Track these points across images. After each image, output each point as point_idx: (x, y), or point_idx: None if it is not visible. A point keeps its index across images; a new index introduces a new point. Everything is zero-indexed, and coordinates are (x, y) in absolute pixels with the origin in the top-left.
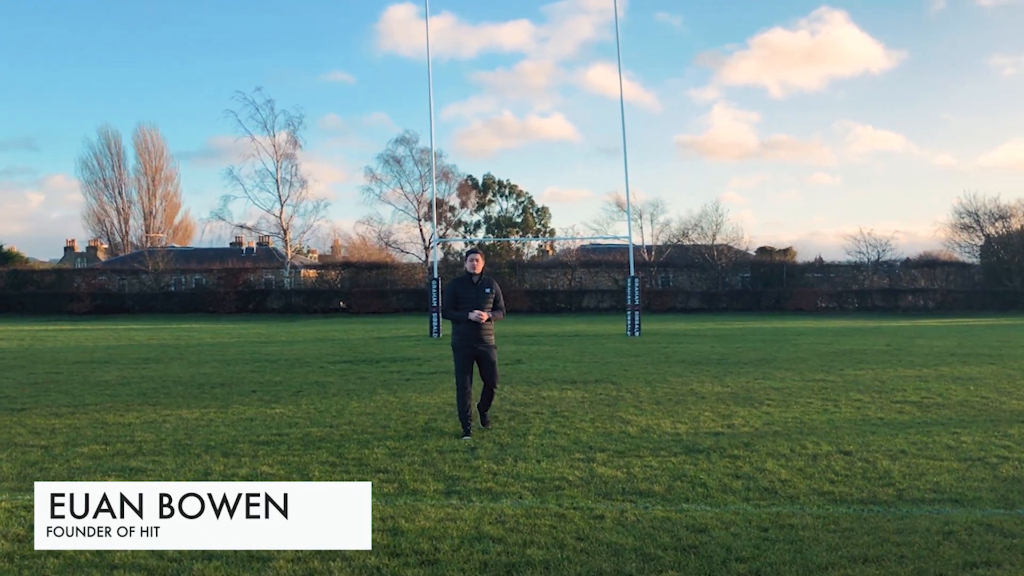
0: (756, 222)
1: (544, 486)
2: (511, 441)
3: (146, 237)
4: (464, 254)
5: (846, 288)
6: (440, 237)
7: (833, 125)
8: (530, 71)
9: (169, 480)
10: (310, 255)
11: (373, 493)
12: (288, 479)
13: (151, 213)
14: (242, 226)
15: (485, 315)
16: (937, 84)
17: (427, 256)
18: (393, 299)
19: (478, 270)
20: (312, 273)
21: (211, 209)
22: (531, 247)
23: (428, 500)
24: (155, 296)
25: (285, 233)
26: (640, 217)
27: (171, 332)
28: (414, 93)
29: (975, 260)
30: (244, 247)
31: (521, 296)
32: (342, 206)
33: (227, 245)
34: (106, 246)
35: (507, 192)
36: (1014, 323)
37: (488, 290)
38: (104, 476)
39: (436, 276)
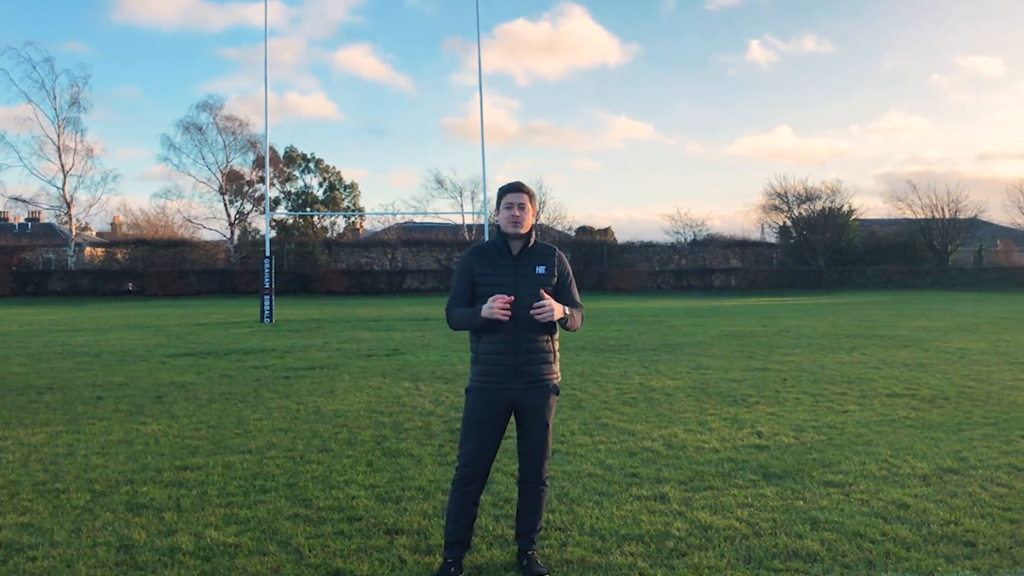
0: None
1: (656, 552)
2: None
3: None
4: (497, 195)
5: (664, 268)
6: (272, 209)
7: (586, 114)
8: (277, 49)
9: (73, 566)
10: (86, 232)
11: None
12: (263, 551)
13: None
14: (18, 199)
15: (560, 309)
16: (670, 79)
17: (232, 233)
18: (193, 280)
19: (524, 228)
20: (99, 252)
21: None
22: (338, 225)
23: None
24: None
25: (69, 207)
26: (460, 195)
27: None
28: (161, 66)
29: (776, 240)
30: (16, 223)
31: (337, 276)
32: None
33: None
34: None
35: (312, 167)
36: (834, 301)
37: (542, 269)
38: None
39: (269, 254)
